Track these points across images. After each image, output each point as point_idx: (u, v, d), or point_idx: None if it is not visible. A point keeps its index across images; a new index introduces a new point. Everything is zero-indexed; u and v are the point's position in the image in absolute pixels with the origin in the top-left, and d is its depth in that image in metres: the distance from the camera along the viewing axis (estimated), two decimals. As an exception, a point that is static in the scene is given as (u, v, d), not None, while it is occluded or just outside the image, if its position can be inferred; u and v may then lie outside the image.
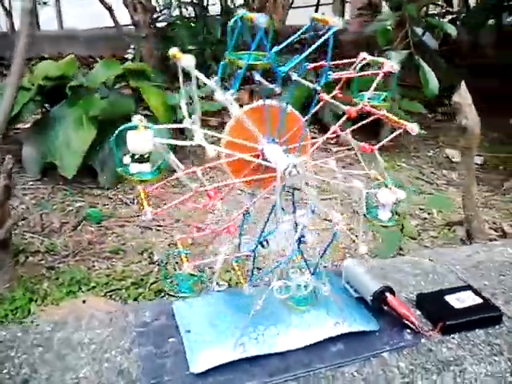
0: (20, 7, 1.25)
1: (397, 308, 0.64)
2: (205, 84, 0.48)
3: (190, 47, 2.51)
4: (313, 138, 0.63)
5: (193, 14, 2.92)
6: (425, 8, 2.82)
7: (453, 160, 2.06)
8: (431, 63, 1.80)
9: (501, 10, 2.88)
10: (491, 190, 1.81)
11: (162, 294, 1.17)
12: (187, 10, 2.93)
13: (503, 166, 2.03)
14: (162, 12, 2.85)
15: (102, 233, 1.48)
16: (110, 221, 1.55)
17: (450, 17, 2.98)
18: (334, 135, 0.64)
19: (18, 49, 1.24)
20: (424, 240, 1.47)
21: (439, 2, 3.01)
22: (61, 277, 1.25)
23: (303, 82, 0.57)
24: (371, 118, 0.63)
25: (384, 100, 0.62)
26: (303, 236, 0.59)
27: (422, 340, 0.63)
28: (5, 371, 0.58)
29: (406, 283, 0.76)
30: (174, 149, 0.51)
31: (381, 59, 0.61)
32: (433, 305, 0.69)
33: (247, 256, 0.64)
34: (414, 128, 0.60)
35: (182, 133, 1.71)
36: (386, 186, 0.63)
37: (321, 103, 0.62)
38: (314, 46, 0.51)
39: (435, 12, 3.19)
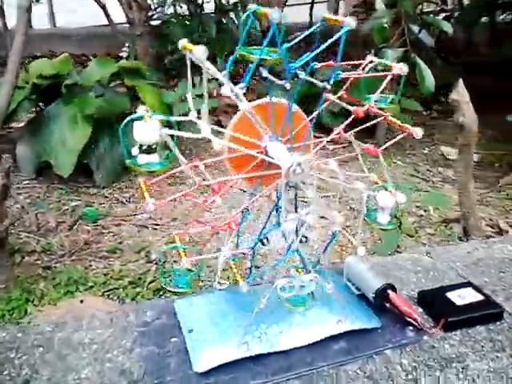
0: (16, 5, 1.24)
1: (399, 305, 0.64)
2: (200, 83, 0.48)
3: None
4: (315, 137, 0.62)
5: (187, 12, 2.90)
6: (420, 6, 2.81)
7: (448, 157, 2.07)
8: (427, 61, 1.80)
9: (494, 7, 2.89)
10: (487, 187, 1.81)
11: (161, 293, 1.16)
12: (182, 7, 2.91)
13: (499, 163, 2.04)
14: (157, 10, 2.83)
15: (98, 232, 1.47)
16: (107, 220, 1.54)
17: (443, 14, 2.98)
18: (338, 136, 0.63)
19: (14, 47, 1.22)
20: (421, 237, 1.47)
21: (434, 0, 3.01)
22: (58, 277, 1.24)
23: (311, 80, 0.56)
24: (375, 121, 0.63)
25: (391, 102, 0.62)
26: (305, 236, 0.58)
27: (425, 337, 0.63)
28: (5, 372, 0.58)
29: (406, 280, 0.76)
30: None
31: (388, 62, 0.60)
32: (434, 302, 0.69)
33: (244, 254, 0.63)
34: (418, 132, 0.60)
35: (179, 129, 1.70)
36: (386, 190, 0.63)
37: (326, 103, 0.62)
38: (325, 45, 0.50)
39: (430, 10, 3.20)
